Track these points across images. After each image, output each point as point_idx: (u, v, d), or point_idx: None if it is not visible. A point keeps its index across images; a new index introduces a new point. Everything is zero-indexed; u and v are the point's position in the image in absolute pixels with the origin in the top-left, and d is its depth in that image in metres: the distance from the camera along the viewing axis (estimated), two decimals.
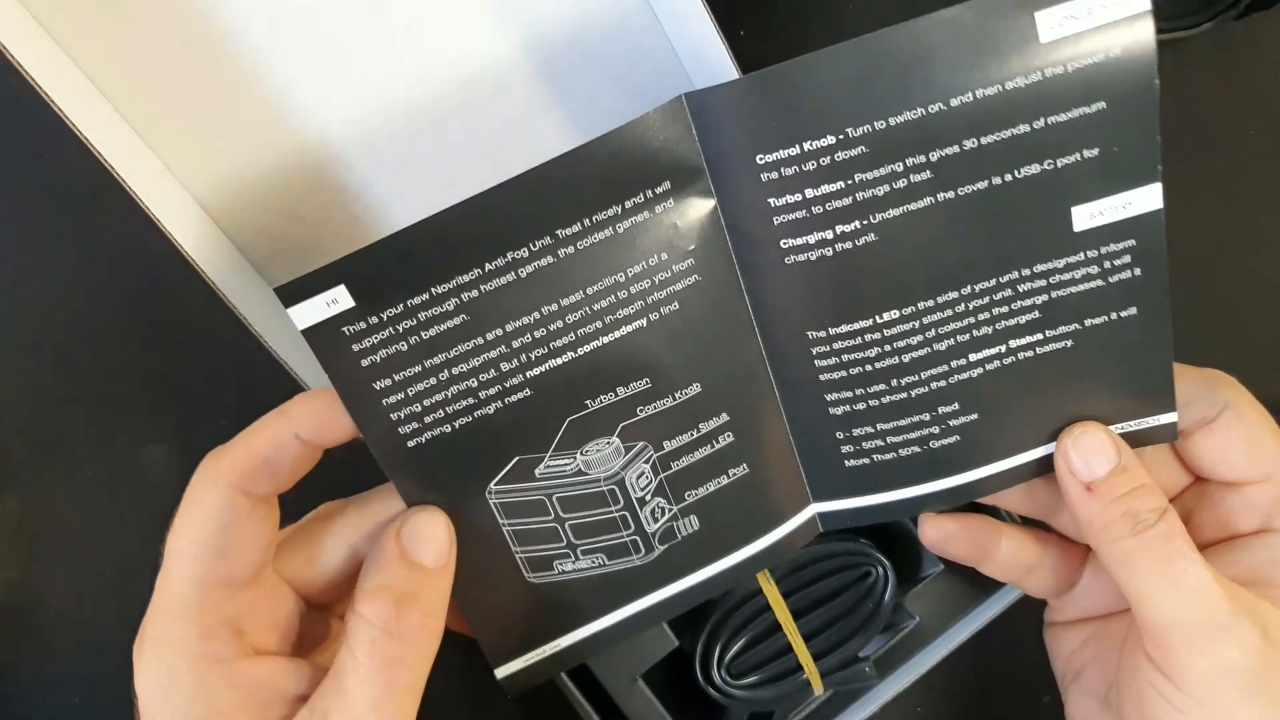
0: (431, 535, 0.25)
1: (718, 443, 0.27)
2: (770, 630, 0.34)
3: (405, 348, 0.24)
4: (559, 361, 0.25)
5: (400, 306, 0.24)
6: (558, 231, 0.24)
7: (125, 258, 0.37)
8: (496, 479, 0.26)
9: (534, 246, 0.24)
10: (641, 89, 0.33)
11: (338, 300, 0.24)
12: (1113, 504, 0.26)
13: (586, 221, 0.24)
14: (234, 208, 0.32)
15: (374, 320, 0.24)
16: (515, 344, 0.25)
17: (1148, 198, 0.26)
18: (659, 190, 0.25)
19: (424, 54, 0.32)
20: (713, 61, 0.31)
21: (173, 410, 0.38)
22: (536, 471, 0.26)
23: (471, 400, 0.25)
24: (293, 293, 0.24)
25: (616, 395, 0.26)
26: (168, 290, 0.37)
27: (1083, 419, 0.27)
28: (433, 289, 0.24)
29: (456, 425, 0.25)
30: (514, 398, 0.25)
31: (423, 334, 0.24)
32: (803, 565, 0.34)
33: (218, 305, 0.29)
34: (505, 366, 0.25)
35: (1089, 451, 0.27)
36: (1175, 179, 0.42)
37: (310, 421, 0.25)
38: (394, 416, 0.25)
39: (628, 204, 0.24)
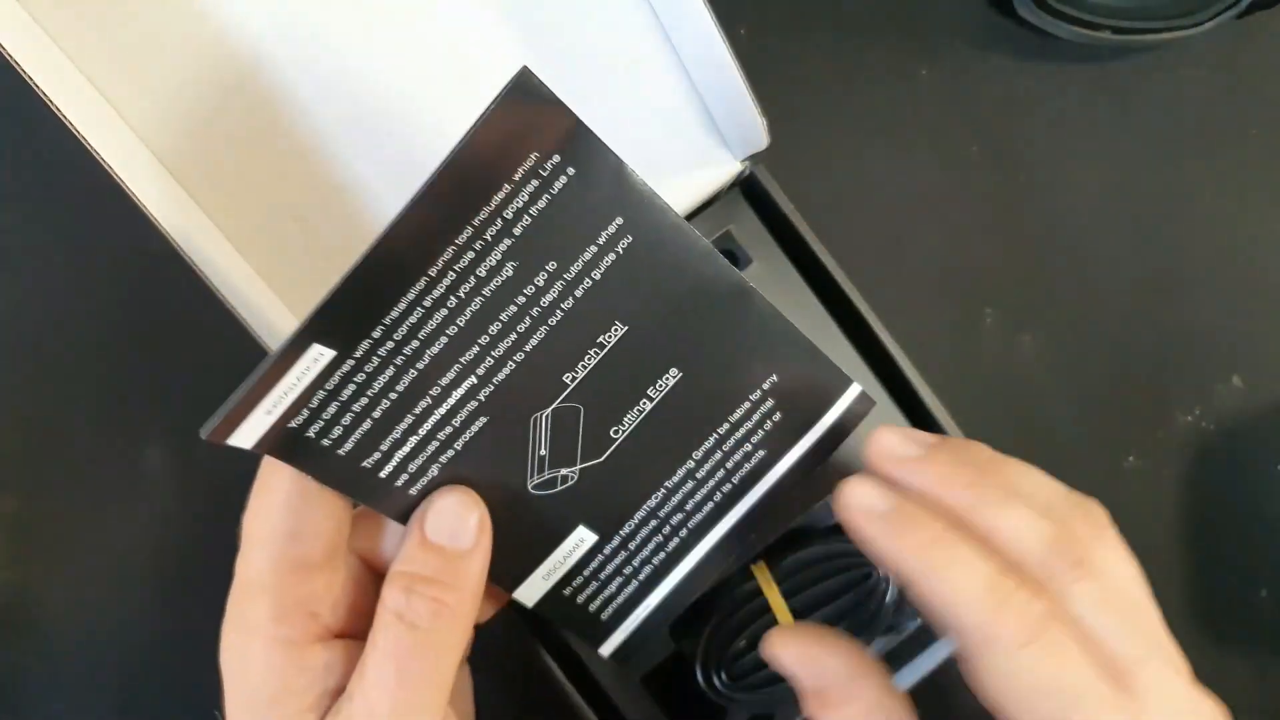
0: (453, 516, 0.25)
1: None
2: None
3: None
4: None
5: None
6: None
7: (124, 258, 0.37)
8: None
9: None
10: (641, 86, 0.33)
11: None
12: None
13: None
14: (234, 207, 0.32)
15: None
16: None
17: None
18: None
19: (422, 50, 0.32)
20: (712, 58, 0.31)
21: (172, 410, 0.38)
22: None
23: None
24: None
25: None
26: (167, 290, 0.37)
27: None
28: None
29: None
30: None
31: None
32: (804, 566, 0.34)
33: (216, 306, 0.29)
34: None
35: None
36: (1177, 179, 0.42)
37: None
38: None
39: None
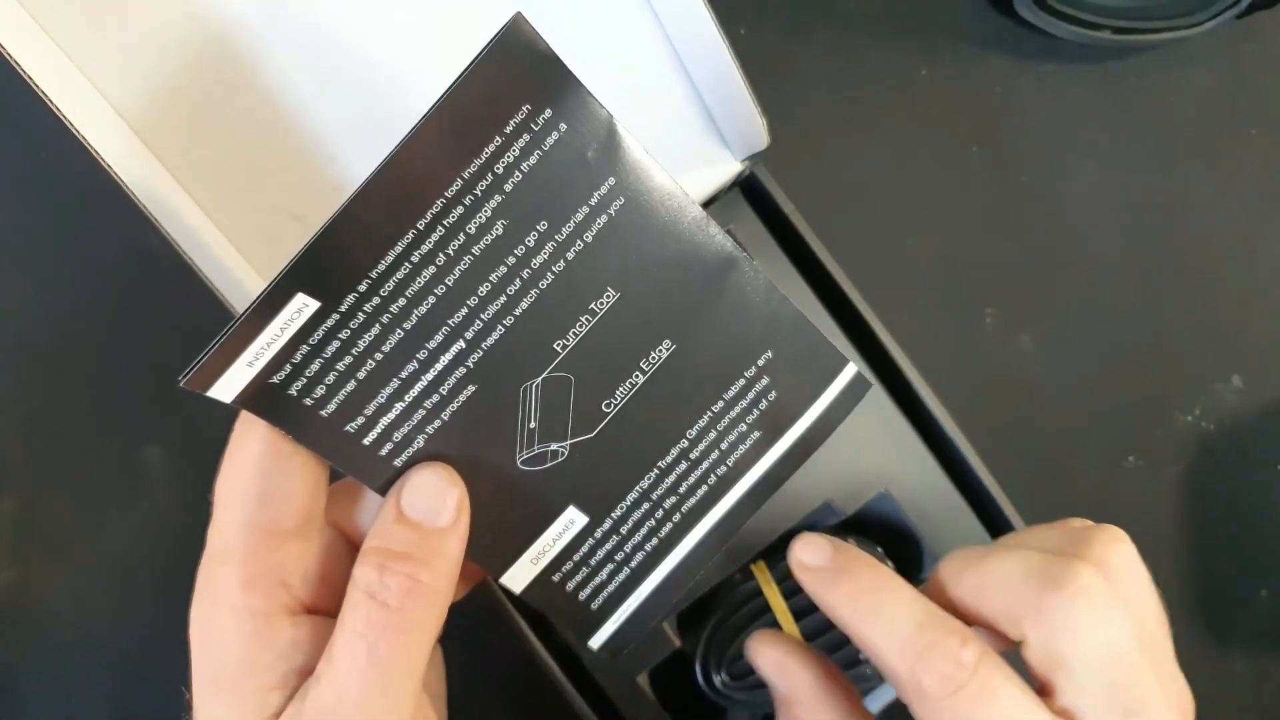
0: (431, 493, 0.24)
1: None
2: None
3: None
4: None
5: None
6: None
7: (124, 257, 0.37)
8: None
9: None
10: (641, 86, 0.33)
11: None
12: None
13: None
14: (233, 208, 0.32)
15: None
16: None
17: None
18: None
19: (423, 50, 0.32)
20: (712, 58, 0.31)
21: (170, 410, 0.38)
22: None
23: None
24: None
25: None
26: (166, 290, 0.37)
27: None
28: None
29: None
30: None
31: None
32: None
33: (216, 306, 0.29)
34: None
35: None
36: (1177, 179, 0.42)
37: None
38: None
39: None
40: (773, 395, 0.27)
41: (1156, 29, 0.38)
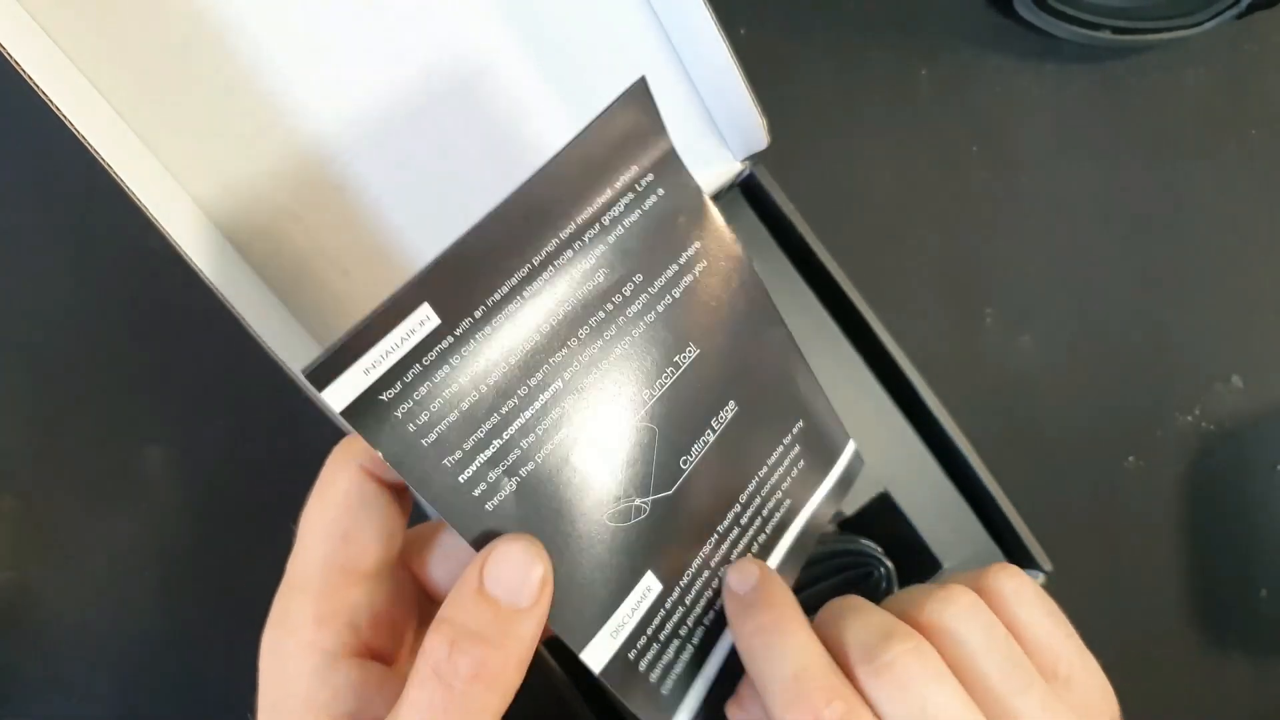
0: (516, 567, 0.22)
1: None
2: None
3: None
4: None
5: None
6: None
7: (124, 258, 0.37)
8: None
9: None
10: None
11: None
12: None
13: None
14: (233, 208, 0.32)
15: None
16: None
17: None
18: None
19: (423, 49, 0.32)
20: (712, 58, 0.31)
21: (171, 410, 0.38)
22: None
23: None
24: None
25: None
26: (166, 290, 0.37)
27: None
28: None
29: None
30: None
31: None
32: (805, 565, 0.34)
33: (216, 305, 0.29)
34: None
35: None
36: (1177, 179, 0.42)
37: None
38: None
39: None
40: (802, 464, 0.28)
41: (1156, 29, 0.38)
